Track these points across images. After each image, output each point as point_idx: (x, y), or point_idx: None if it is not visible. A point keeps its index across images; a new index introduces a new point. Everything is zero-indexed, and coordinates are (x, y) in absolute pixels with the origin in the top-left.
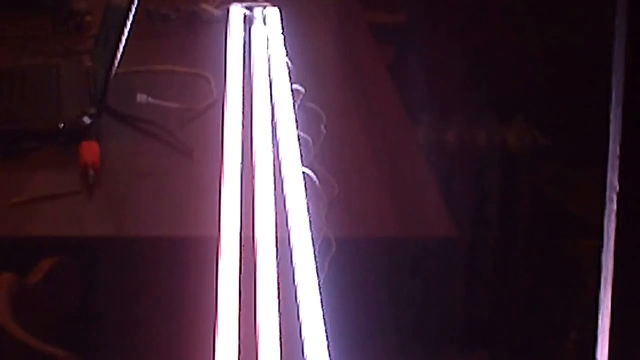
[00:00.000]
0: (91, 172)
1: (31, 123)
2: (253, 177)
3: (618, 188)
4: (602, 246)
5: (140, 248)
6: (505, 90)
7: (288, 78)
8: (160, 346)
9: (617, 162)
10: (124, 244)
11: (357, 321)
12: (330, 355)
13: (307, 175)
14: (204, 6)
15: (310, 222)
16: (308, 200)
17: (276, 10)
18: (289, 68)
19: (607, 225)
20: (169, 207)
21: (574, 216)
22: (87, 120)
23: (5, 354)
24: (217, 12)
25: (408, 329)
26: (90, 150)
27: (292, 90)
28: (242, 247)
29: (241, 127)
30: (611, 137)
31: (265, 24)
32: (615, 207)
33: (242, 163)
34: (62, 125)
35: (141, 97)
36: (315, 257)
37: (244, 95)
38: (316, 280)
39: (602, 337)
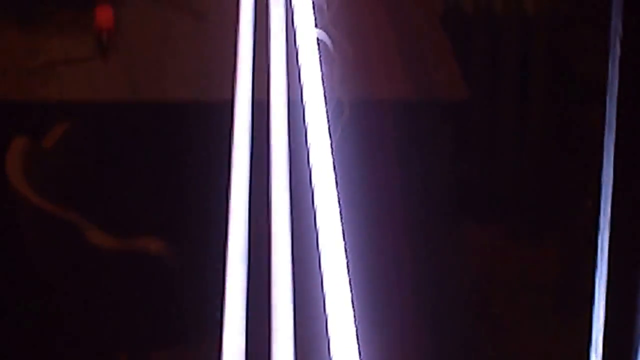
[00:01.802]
0: (105, 36)
1: None
2: (266, 40)
3: (621, 34)
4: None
5: (154, 111)
6: None
7: None
8: (173, 208)
9: (620, 10)
10: (137, 107)
11: (370, 187)
12: (342, 219)
13: (321, 38)
14: None
15: (323, 84)
16: (321, 62)
17: None
18: None
19: (611, 72)
20: (182, 70)
21: (591, 81)
22: None
23: (19, 215)
24: None
25: (423, 196)
26: (104, 14)
27: None
28: (255, 109)
29: None
30: None
31: None
32: (618, 52)
33: (255, 26)
34: None
35: None
36: (328, 118)
37: None
38: (329, 142)
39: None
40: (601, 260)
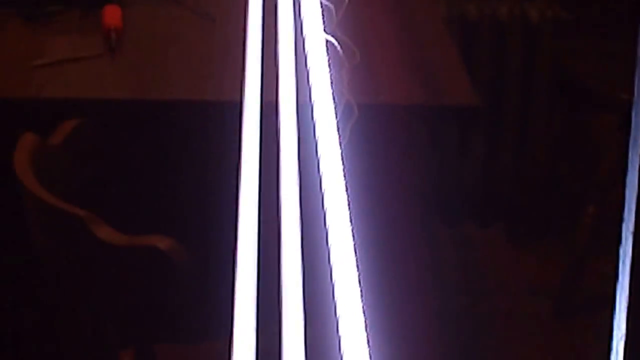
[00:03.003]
0: (113, 36)
1: None
2: (275, 43)
3: None
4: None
5: (161, 111)
6: None
7: None
8: (181, 206)
9: None
10: (144, 106)
11: (377, 189)
12: (351, 222)
13: (329, 42)
14: None
15: (332, 88)
16: (330, 66)
17: None
18: None
19: (637, 83)
20: (190, 70)
21: (594, 90)
22: None
23: (26, 211)
24: None
25: (427, 198)
26: (112, 14)
27: None
28: (264, 111)
29: None
30: None
31: None
32: None
33: (264, 29)
34: None
35: None
36: (337, 123)
37: None
38: (338, 146)
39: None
40: (623, 272)
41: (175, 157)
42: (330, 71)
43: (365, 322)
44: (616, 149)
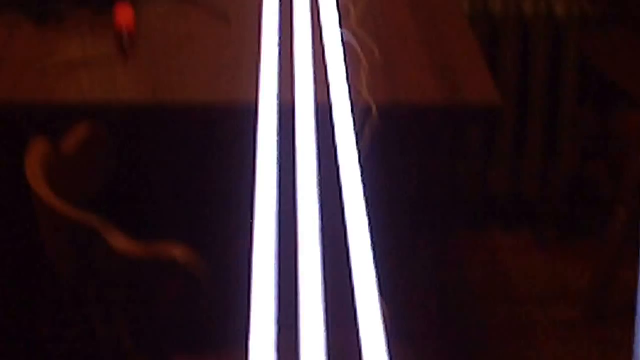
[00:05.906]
0: (125, 37)
1: None
2: (292, 42)
3: None
4: None
5: (176, 114)
6: None
7: None
8: (197, 212)
9: None
10: (158, 109)
11: (397, 191)
12: (370, 223)
13: (347, 40)
14: None
15: (350, 87)
16: (348, 65)
17: None
18: None
19: None
20: (205, 72)
21: (622, 89)
22: None
23: (40, 220)
24: None
25: (451, 203)
26: (124, 14)
27: None
28: (281, 113)
29: None
30: None
31: None
32: None
33: (281, 29)
34: None
35: None
36: (355, 122)
37: None
38: (355, 147)
39: None
40: None
41: (191, 161)
42: (348, 70)
43: (386, 328)
44: None
